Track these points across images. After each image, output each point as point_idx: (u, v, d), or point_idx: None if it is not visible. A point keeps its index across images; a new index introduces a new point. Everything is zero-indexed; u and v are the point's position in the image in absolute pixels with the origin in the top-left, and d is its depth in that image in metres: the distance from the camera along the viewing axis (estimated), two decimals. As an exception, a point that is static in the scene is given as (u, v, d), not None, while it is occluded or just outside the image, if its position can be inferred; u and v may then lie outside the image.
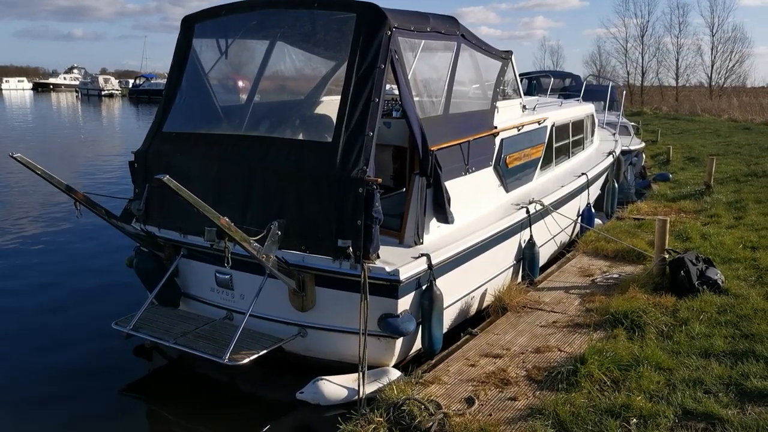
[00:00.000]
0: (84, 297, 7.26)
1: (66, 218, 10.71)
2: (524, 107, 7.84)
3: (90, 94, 73.98)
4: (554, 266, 7.33)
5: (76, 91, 79.26)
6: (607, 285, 6.42)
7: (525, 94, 13.58)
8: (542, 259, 7.15)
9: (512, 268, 6.63)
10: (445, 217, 5.35)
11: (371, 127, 4.75)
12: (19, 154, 4.56)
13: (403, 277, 4.70)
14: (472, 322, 5.83)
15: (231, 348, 4.65)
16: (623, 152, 12.53)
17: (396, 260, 4.85)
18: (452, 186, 5.51)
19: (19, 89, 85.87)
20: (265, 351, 4.83)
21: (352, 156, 4.68)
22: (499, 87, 6.90)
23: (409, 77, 5.22)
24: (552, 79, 16.34)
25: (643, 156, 16.76)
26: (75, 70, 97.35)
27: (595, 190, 9.60)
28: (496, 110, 6.70)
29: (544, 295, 6.25)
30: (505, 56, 7.11)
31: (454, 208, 5.46)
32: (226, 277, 5.32)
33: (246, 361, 4.66)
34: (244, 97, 6.11)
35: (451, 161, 5.60)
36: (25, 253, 9.21)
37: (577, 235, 8.70)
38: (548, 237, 7.47)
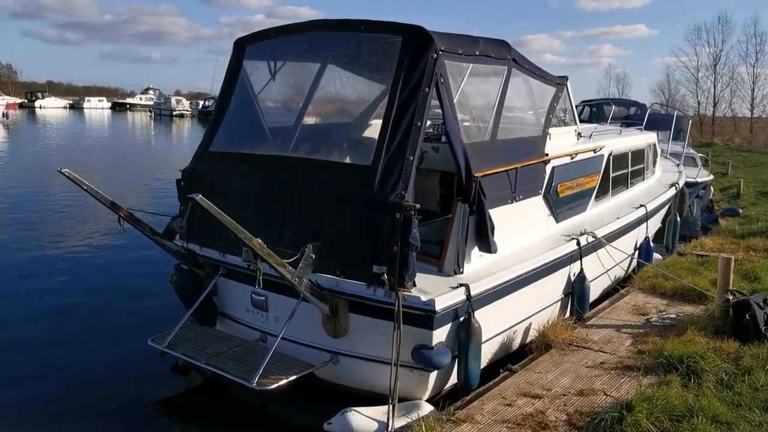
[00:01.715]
0: (126, 311, 7.41)
1: (117, 233, 10.97)
2: (579, 135, 7.55)
3: (162, 114, 77.50)
4: (606, 302, 6.94)
5: (150, 111, 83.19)
6: (663, 325, 6.00)
7: (586, 122, 13.18)
8: (593, 295, 6.78)
9: (560, 302, 6.31)
10: (487, 246, 5.14)
11: (412, 151, 4.63)
12: (66, 170, 4.69)
13: (438, 307, 4.51)
14: (513, 358, 5.55)
15: (260, 372, 4.58)
16: (688, 184, 11.90)
17: (433, 289, 4.67)
18: (497, 214, 5.31)
19: (98, 108, 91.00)
20: (294, 377, 4.73)
21: (391, 180, 4.57)
22: (552, 113, 6.66)
23: (455, 101, 5.09)
24: (613, 106, 15.75)
25: (711, 189, 15.90)
26: (150, 91, 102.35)
27: (654, 224, 9.11)
28: (548, 137, 6.46)
29: (593, 332, 5.89)
30: (559, 82, 6.87)
31: (499, 237, 5.24)
32: (262, 298, 5.27)
33: (274, 386, 4.56)
34: (291, 118, 6.13)
35: (496, 188, 5.41)
36: (71, 267, 9.46)
37: (633, 270, 8.24)
38: (601, 271, 7.09)
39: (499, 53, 5.64)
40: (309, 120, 6.06)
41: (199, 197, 3.76)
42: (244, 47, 5.96)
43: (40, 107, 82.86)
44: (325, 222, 4.79)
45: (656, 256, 8.80)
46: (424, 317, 4.55)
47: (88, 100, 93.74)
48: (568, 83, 7.03)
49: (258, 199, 5.23)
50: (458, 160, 4.94)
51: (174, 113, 75.19)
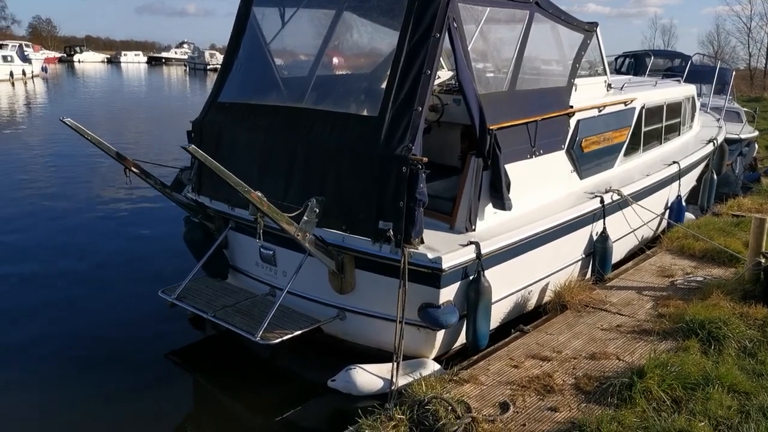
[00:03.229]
0: (144, 263, 7.46)
1: (135, 185, 11.03)
2: (609, 86, 7.12)
3: (197, 68, 77.63)
4: (630, 263, 6.66)
5: (185, 65, 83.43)
6: (688, 288, 5.73)
7: (626, 74, 12.51)
8: (617, 255, 6.51)
9: (580, 262, 6.08)
10: (502, 203, 4.92)
11: (421, 101, 4.40)
12: (69, 119, 4.62)
13: (446, 265, 4.36)
14: (526, 318, 5.39)
15: (264, 326, 4.54)
16: (730, 141, 11.26)
17: (442, 247, 4.51)
18: (514, 169, 5.06)
19: (135, 62, 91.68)
20: (299, 332, 4.69)
21: (398, 132, 4.36)
22: (579, 62, 6.25)
23: (469, 49, 4.79)
24: (653, 58, 14.90)
25: (756, 146, 15.09)
26: (185, 45, 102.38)
27: (688, 181, 8.66)
28: (573, 88, 6.09)
29: (612, 294, 5.66)
30: (588, 28, 6.43)
31: (516, 193, 5.02)
32: (270, 252, 5.21)
33: (278, 340, 4.53)
34: (304, 68, 5.92)
35: (514, 142, 5.14)
36: (96, 217, 9.58)
37: (663, 230, 7.89)
38: (626, 231, 6.80)
39: (520, -4, 5.27)
40: (323, 70, 5.83)
41: (192, 147, 3.65)
42: (253, -8, 5.72)
43: (79, 61, 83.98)
44: (331, 175, 4.64)
45: (688, 215, 8.40)
46: (431, 275, 4.41)
47: (125, 55, 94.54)
48: (598, 30, 6.59)
49: (265, 151, 5.09)
50: (471, 112, 4.68)
51: (208, 67, 75.06)
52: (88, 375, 5.03)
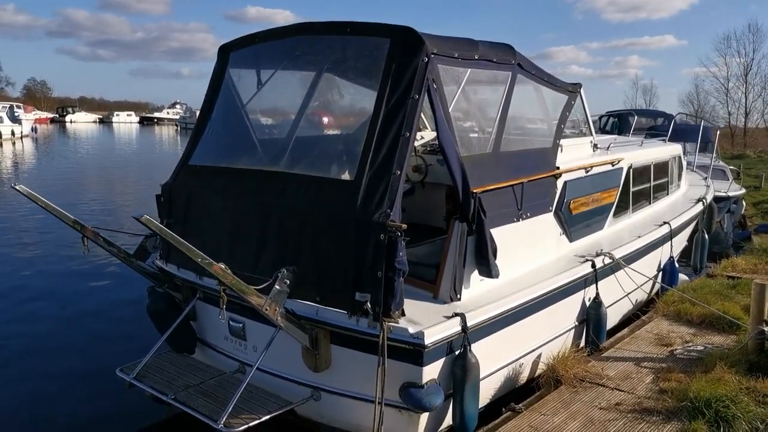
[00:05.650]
0: (107, 334, 7.01)
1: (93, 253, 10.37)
2: (596, 146, 6.98)
3: (188, 127, 78.29)
4: (626, 330, 6.31)
5: (176, 125, 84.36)
6: (689, 359, 5.36)
7: (610, 133, 12.53)
8: (611, 321, 6.16)
9: (573, 331, 5.72)
10: (488, 270, 4.61)
11: (399, 165, 4.15)
12: (20, 186, 4.32)
13: (429, 341, 3.99)
14: (518, 394, 4.98)
15: (229, 410, 4.10)
16: (717, 199, 11.15)
17: (424, 319, 4.16)
18: (500, 234, 4.79)
19: (127, 122, 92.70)
20: (268, 416, 4.24)
21: (375, 197, 4.08)
22: (564, 123, 6.11)
23: (450, 110, 4.60)
24: (636, 117, 15.03)
25: (744, 203, 15.05)
26: (177, 105, 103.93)
27: (680, 242, 8.44)
28: (559, 149, 5.92)
29: (609, 366, 5.28)
30: (572, 89, 6.33)
31: (503, 259, 4.71)
32: (239, 325, 4.82)
33: (244, 427, 4.07)
34: (282, 130, 5.71)
35: (499, 205, 4.89)
36: (55, 285, 9.09)
37: (657, 292, 7.59)
38: (620, 295, 6.48)
39: (501, 58, 5.14)
40: (301, 132, 5.62)
41: (144, 218, 3.33)
42: (228, 54, 5.57)
43: (71, 122, 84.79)
44: (305, 243, 4.33)
45: (682, 277, 8.12)
46: (413, 352, 4.03)
47: (117, 115, 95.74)
48: (582, 91, 6.49)
49: (236, 217, 4.79)
50: (454, 175, 4.43)
51: (199, 127, 75.76)
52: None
